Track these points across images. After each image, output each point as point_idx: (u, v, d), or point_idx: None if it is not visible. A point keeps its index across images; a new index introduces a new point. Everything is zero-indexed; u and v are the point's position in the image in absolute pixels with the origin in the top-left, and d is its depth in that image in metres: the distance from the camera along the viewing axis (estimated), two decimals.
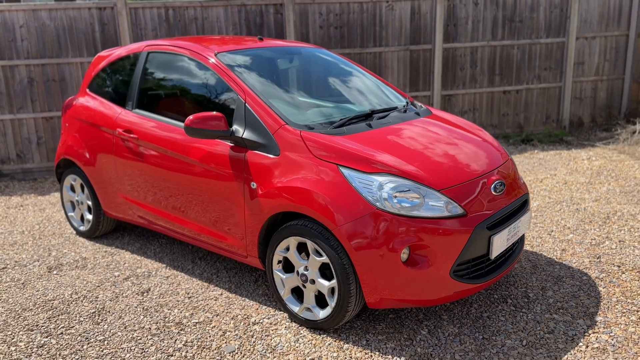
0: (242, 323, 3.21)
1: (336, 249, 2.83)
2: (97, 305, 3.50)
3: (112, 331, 3.19)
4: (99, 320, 3.32)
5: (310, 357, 2.84)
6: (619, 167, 6.22)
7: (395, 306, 2.86)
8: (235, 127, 3.27)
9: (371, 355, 2.83)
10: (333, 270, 2.87)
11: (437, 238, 2.73)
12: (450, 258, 2.77)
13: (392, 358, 2.80)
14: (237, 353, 2.92)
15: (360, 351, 2.87)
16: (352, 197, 2.79)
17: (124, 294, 3.64)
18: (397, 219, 2.72)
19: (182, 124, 3.59)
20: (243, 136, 3.21)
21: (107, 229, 4.64)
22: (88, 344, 3.06)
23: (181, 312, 3.37)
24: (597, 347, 2.83)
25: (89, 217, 4.57)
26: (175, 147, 3.58)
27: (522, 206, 3.25)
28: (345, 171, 2.86)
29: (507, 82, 7.94)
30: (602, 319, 3.10)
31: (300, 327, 3.13)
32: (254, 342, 3.01)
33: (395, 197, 2.76)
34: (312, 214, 2.87)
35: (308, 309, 3.10)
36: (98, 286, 3.78)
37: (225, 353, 2.92)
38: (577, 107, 8.28)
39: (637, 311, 3.16)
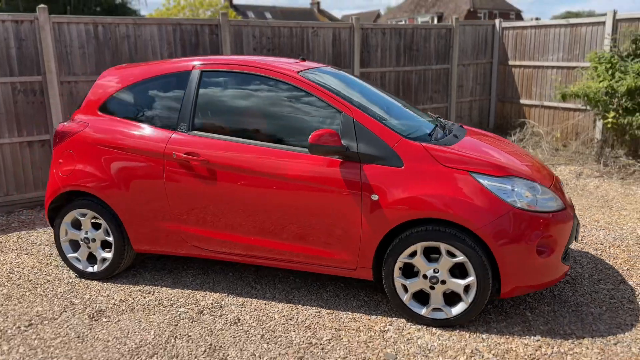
0: (372, 333, 3.29)
1: (474, 248, 3.15)
2: (201, 343, 3.21)
3: None
4: (222, 357, 3.08)
5: (468, 350, 3.09)
6: None
7: (521, 293, 3.28)
8: (345, 142, 3.36)
9: (511, 339, 3.20)
10: (472, 268, 3.17)
11: (558, 228, 3.24)
12: (563, 244, 3.30)
13: (530, 337, 3.21)
14: (399, 358, 3.02)
15: (500, 337, 3.22)
16: (489, 200, 3.15)
17: (216, 328, 3.39)
18: (531, 215, 3.16)
19: (273, 145, 3.54)
20: (358, 151, 3.33)
21: (125, 267, 4.15)
22: None
23: (300, 334, 3.30)
24: None
25: (106, 255, 4.04)
26: (267, 168, 3.48)
27: None
28: (478, 177, 3.20)
29: (408, 103, 8.91)
30: (634, 283, 3.93)
31: (428, 328, 3.34)
32: (404, 347, 3.14)
33: (527, 196, 3.20)
34: (452, 217, 3.14)
35: (437, 309, 3.33)
36: (176, 325, 3.44)
37: (393, 359, 3.01)
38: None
39: None
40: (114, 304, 3.73)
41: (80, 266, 4.13)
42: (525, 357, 3.02)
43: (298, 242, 3.54)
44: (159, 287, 3.99)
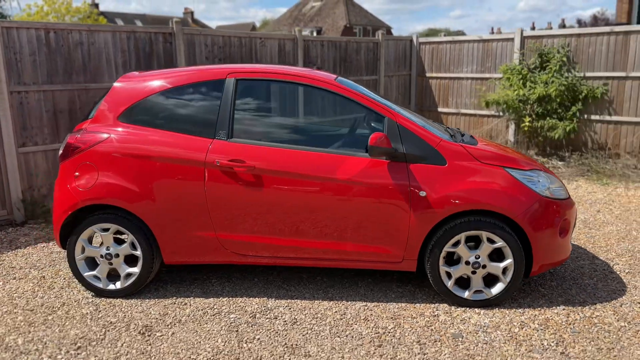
0: (427, 318, 3.59)
1: (511, 234, 3.60)
2: (275, 344, 3.28)
3: (334, 356, 3.14)
4: (305, 354, 3.18)
5: (516, 322, 3.52)
6: None
7: (544, 270, 3.78)
8: (392, 144, 3.63)
9: (543, 311, 3.69)
10: (511, 252, 3.61)
11: (570, 212, 3.80)
12: (573, 226, 3.88)
13: (556, 308, 3.72)
14: (465, 336, 3.35)
15: (533, 310, 3.69)
16: (522, 191, 3.62)
17: (279, 329, 3.46)
18: (553, 202, 3.68)
19: (319, 149, 3.69)
20: (405, 152, 3.62)
21: (149, 281, 4.01)
22: None
23: (363, 326, 3.49)
24: (627, 272, 4.34)
25: (132, 270, 3.87)
26: (316, 172, 3.63)
27: None
28: (510, 171, 3.66)
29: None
30: (604, 257, 4.66)
31: (471, 309, 3.71)
32: (462, 326, 3.48)
33: (548, 186, 3.72)
34: (494, 208, 3.56)
35: (478, 291, 3.71)
36: (237, 331, 3.45)
37: (458, 338, 3.32)
38: None
39: (609, 250, 4.85)
40: (157, 319, 3.61)
41: (99, 285, 3.90)
42: (562, 323, 3.51)
43: (348, 241, 3.73)
44: (192, 298, 3.92)
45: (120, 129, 3.84)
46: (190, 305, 3.81)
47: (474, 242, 3.71)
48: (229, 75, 3.87)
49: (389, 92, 10.20)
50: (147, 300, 3.89)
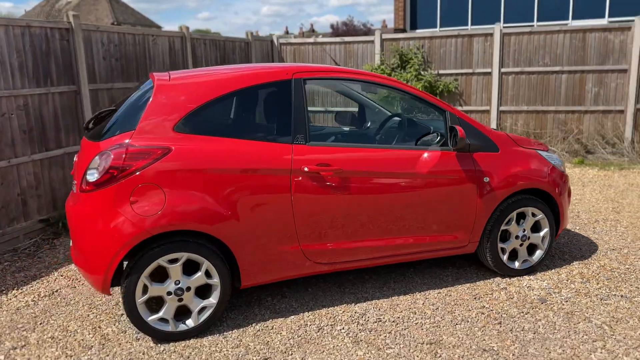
0: (502, 292, 3.93)
1: (546, 206, 4.18)
2: (413, 343, 3.24)
3: (475, 341, 3.27)
4: (446, 346, 3.23)
5: (565, 280, 4.10)
6: None
7: (560, 232, 4.45)
8: None
9: (571, 267, 4.35)
10: (547, 222, 4.18)
11: (569, 181, 4.56)
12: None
13: (573, 263, 4.44)
14: (547, 299, 3.79)
15: (562, 267, 4.33)
16: (550, 167, 4.21)
17: (397, 329, 3.42)
18: (564, 175, 4.38)
19: (398, 145, 3.69)
20: (469, 142, 3.88)
21: None
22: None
23: (462, 310, 3.67)
24: (578, 229, 5.36)
25: (207, 302, 3.33)
26: (401, 168, 3.64)
27: None
28: (540, 152, 4.22)
29: None
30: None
31: (522, 277, 4.17)
32: (535, 292, 3.91)
33: (561, 162, 4.40)
34: (539, 185, 4.07)
35: (524, 261, 4.20)
36: (360, 340, 3.30)
37: (545, 302, 3.74)
38: None
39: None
40: (264, 349, 3.20)
41: (167, 328, 3.25)
42: (592, 274, 4.22)
43: (427, 233, 3.83)
44: (270, 320, 3.55)
45: (182, 141, 3.23)
46: (280, 327, 3.45)
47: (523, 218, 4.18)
48: (295, 75, 3.58)
49: None
50: (225, 333, 3.39)
